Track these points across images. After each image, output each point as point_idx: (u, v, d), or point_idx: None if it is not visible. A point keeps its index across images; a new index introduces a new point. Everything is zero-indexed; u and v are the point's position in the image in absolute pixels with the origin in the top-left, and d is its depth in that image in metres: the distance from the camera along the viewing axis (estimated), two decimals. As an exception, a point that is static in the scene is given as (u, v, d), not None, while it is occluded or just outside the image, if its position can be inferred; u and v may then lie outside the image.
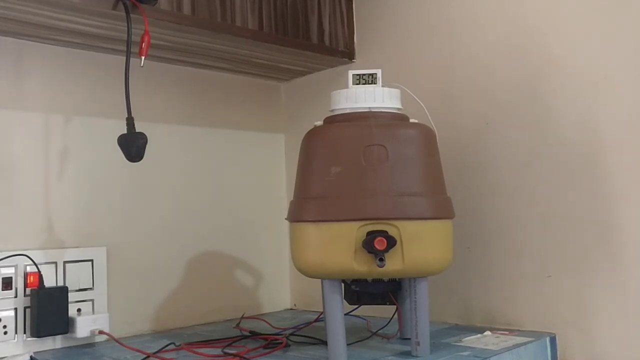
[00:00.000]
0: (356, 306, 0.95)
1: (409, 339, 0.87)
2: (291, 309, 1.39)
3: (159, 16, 0.98)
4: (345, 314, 0.84)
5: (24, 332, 0.96)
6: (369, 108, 0.86)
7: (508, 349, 0.88)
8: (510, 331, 0.99)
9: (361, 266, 0.79)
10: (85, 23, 0.98)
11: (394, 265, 0.79)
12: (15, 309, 0.96)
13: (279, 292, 1.38)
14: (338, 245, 0.80)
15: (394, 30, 1.21)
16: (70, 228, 1.05)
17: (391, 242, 0.78)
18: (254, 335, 1.02)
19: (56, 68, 1.07)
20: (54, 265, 1.01)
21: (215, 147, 1.29)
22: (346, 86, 0.88)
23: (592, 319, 0.93)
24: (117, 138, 0.92)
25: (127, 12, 0.93)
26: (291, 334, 1.02)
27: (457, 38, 1.11)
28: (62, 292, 0.98)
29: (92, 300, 1.05)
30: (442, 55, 1.13)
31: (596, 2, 0.94)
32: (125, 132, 0.92)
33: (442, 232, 0.84)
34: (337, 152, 0.82)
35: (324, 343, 0.86)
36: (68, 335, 0.99)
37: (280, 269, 1.38)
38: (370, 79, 0.88)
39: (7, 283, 0.95)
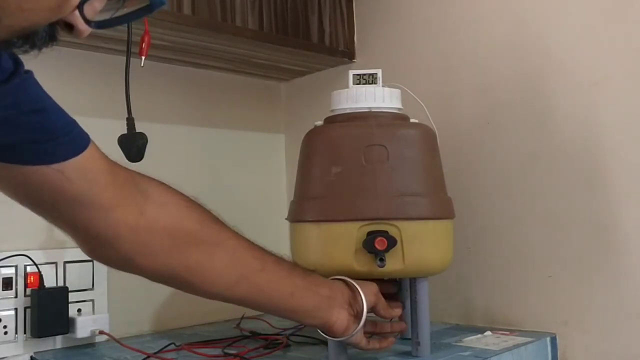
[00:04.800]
0: (356, 306, 0.95)
1: (410, 339, 0.87)
2: (291, 309, 1.38)
3: (159, 16, 0.98)
4: (345, 314, 0.84)
5: (25, 332, 0.96)
6: (370, 108, 0.86)
7: (508, 349, 0.88)
8: (511, 331, 0.99)
9: (362, 266, 0.79)
10: (85, 23, 0.97)
11: (394, 265, 0.79)
12: (16, 309, 0.96)
13: (279, 292, 1.37)
14: (338, 246, 0.80)
15: (394, 31, 1.21)
16: (70, 228, 1.05)
17: (391, 242, 0.78)
18: (254, 335, 1.02)
19: (56, 68, 1.07)
20: (54, 265, 1.01)
21: (215, 147, 1.29)
22: (346, 86, 0.88)
23: (592, 319, 0.93)
24: (117, 138, 0.92)
25: (127, 12, 0.92)
26: (291, 334, 1.02)
27: (457, 38, 1.11)
28: (62, 292, 0.98)
29: (93, 301, 1.04)
30: (442, 55, 1.13)
31: (596, 2, 0.94)
32: (125, 132, 0.92)
33: (443, 232, 0.84)
34: (338, 152, 0.82)
35: (324, 343, 0.86)
36: (68, 335, 0.99)
37: (281, 269, 1.37)
38: (371, 79, 0.88)
39: (8, 283, 0.95)
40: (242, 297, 0.72)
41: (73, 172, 0.58)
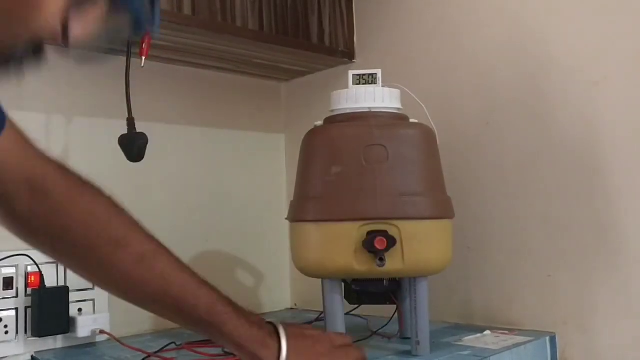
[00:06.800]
0: (356, 306, 0.96)
1: (409, 338, 0.87)
2: (292, 308, 1.39)
3: (159, 16, 0.98)
4: (345, 314, 0.84)
5: (25, 332, 0.96)
6: (369, 108, 0.86)
7: (508, 348, 0.88)
8: (510, 331, 0.99)
9: (361, 266, 0.79)
10: (85, 23, 0.98)
11: (394, 265, 0.79)
12: (17, 309, 0.96)
13: (280, 292, 1.38)
14: (338, 245, 0.80)
15: (394, 31, 1.21)
16: (71, 228, 1.05)
17: (391, 241, 0.78)
18: (254, 335, 1.02)
19: (56, 68, 1.07)
20: (54, 264, 1.01)
21: (215, 147, 1.29)
22: (346, 86, 0.88)
23: (592, 318, 0.94)
24: (117, 138, 0.92)
25: (128, 13, 0.93)
26: (291, 334, 1.02)
27: (457, 38, 1.11)
28: (63, 292, 0.98)
29: (93, 300, 1.04)
30: (442, 55, 1.13)
31: (596, 2, 0.94)
32: (126, 132, 0.92)
33: (442, 232, 0.84)
34: (338, 152, 0.82)
35: (325, 343, 0.86)
36: (69, 335, 0.99)
37: (281, 268, 1.38)
38: (371, 79, 0.88)
39: (8, 283, 0.95)
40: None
41: None
